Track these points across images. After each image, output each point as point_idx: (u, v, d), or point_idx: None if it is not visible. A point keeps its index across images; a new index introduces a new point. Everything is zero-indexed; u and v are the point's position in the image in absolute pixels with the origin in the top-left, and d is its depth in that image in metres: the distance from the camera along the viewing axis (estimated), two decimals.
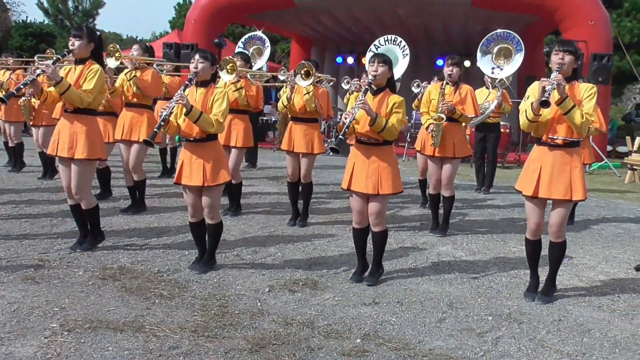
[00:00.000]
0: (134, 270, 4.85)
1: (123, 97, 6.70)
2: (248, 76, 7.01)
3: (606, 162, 13.72)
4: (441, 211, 6.76)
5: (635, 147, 12.94)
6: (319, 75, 7.03)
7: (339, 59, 18.90)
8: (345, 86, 9.38)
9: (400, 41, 6.20)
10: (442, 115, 6.29)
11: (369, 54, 6.25)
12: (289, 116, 6.82)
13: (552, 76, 4.23)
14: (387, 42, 6.24)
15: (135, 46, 7.06)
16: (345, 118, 4.60)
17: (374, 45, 6.28)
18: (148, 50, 6.95)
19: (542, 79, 4.29)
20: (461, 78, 6.61)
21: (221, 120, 4.71)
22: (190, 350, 3.49)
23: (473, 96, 6.56)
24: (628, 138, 13.78)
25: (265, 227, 6.56)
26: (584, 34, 13.80)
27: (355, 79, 8.39)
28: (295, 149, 6.62)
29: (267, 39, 8.01)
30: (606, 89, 14.57)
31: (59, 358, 3.32)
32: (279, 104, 6.75)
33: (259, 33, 8.08)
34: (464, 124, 6.77)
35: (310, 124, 6.64)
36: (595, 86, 4.50)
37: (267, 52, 7.93)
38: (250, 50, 8.00)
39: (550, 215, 4.58)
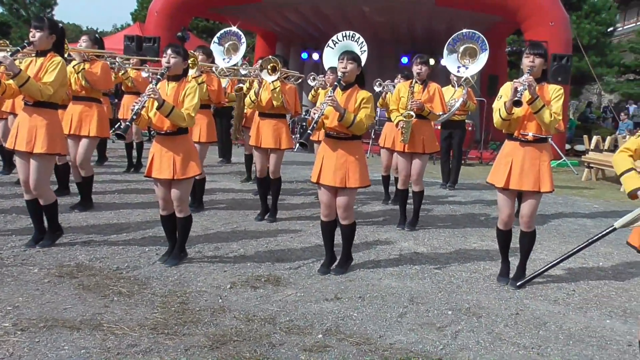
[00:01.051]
0: (92, 268, 4.76)
1: (70, 90, 6.43)
2: (213, 69, 6.95)
3: (565, 160, 14.00)
4: (410, 206, 6.88)
5: (592, 146, 13.26)
6: (287, 71, 7.01)
7: (304, 55, 18.86)
8: (311, 83, 9.35)
9: (358, 37, 6.24)
10: (412, 113, 6.42)
11: (326, 50, 6.28)
12: (257, 112, 6.78)
13: (523, 77, 4.49)
14: (344, 38, 6.28)
15: (83, 37, 6.74)
16: (314, 113, 4.68)
17: (332, 41, 6.32)
18: (98, 42, 6.71)
19: (515, 80, 4.55)
20: (429, 76, 6.72)
21: (192, 115, 4.74)
22: (150, 348, 3.44)
23: (441, 94, 6.70)
24: (585, 137, 14.11)
25: (228, 223, 6.51)
26: (545, 34, 14.03)
27: (321, 75, 8.38)
28: (263, 144, 6.59)
29: (242, 35, 7.95)
30: (565, 89, 14.83)
31: (11, 358, 3.23)
32: (247, 99, 6.71)
33: (234, 28, 8.01)
34: (432, 121, 6.89)
35: (278, 120, 6.61)
36: (562, 88, 4.78)
37: (242, 48, 7.88)
38: (226, 46, 7.94)
39: (522, 207, 4.86)
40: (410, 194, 6.85)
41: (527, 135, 4.69)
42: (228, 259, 5.25)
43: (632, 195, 2.95)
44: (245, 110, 7.62)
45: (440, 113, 6.73)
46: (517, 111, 4.61)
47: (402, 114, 6.49)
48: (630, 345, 3.86)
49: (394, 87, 7.85)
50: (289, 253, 5.53)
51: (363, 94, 4.79)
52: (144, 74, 8.54)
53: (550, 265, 3.28)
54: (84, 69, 6.36)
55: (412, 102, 6.43)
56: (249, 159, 9.10)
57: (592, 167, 12.74)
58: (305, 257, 5.40)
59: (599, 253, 6.13)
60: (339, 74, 4.81)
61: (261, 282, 4.68)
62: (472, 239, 6.47)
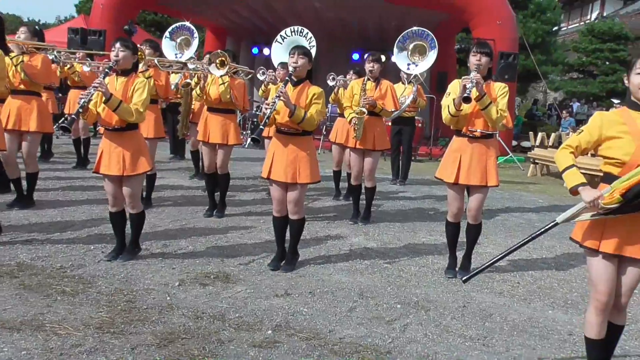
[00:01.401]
0: (33, 267, 4.62)
1: (9, 84, 6.11)
2: (156, 63, 6.81)
3: (511, 156, 14.34)
4: (362, 202, 6.97)
5: (537, 143, 13.62)
6: (236, 65, 6.94)
7: (255, 50, 18.72)
8: (260, 77, 9.30)
9: (307, 32, 6.25)
10: (364, 110, 6.49)
11: (275, 45, 6.26)
12: (205, 107, 6.69)
13: (471, 75, 4.58)
14: (293, 33, 6.27)
15: (22, 29, 6.46)
16: (266, 109, 4.67)
17: (280, 36, 6.30)
18: (37, 34, 6.46)
19: (463, 77, 4.64)
20: (381, 73, 6.79)
21: (141, 110, 4.66)
22: (94, 348, 3.36)
23: (393, 91, 6.80)
24: (531, 133, 14.49)
25: (177, 220, 6.42)
26: (492, 32, 14.32)
27: (270, 70, 8.33)
28: (210, 139, 6.52)
29: (195, 30, 7.82)
30: (512, 86, 15.19)
31: None
32: (194, 93, 6.62)
33: (187, 23, 7.88)
34: (384, 118, 6.97)
35: (226, 115, 6.55)
36: (507, 85, 4.92)
37: (195, 43, 7.76)
38: (178, 40, 7.80)
39: (469, 200, 4.99)
40: (363, 190, 6.94)
41: (475, 131, 4.81)
42: (176, 256, 5.17)
43: (573, 191, 3.03)
44: (192, 106, 7.51)
45: (393, 110, 6.83)
46: (465, 108, 4.71)
47: (355, 110, 6.56)
48: (571, 335, 3.98)
49: (345, 82, 7.90)
50: (239, 249, 5.49)
51: (314, 89, 4.81)
52: (86, 68, 8.32)
53: (495, 259, 3.34)
54: (22, 61, 6.12)
55: (364, 99, 6.50)
56: (196, 155, 8.98)
57: (537, 163, 13.09)
58: (256, 254, 5.38)
59: (543, 246, 6.30)
60: (290, 69, 4.80)
61: (210, 279, 4.63)
62: (421, 234, 6.56)
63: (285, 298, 4.36)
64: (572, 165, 3.08)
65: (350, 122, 6.67)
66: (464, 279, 3.67)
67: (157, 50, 6.88)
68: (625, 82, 3.08)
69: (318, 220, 6.86)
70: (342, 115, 7.83)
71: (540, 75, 19.01)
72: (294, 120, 4.69)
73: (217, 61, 6.18)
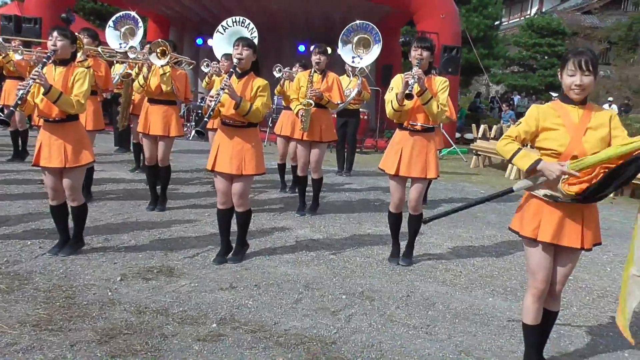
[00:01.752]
0: None
1: None
2: (100, 52, 6.63)
3: (455, 148, 14.61)
4: (309, 194, 7.03)
5: (480, 135, 13.93)
6: (177, 56, 6.82)
7: (199, 41, 18.40)
8: (205, 69, 9.17)
9: (249, 23, 6.20)
10: (311, 102, 6.51)
11: (216, 36, 6.18)
12: (146, 98, 6.55)
13: (412, 70, 4.65)
14: (234, 24, 6.21)
15: None
16: (210, 101, 4.63)
17: (221, 26, 6.22)
18: None
19: (405, 73, 4.70)
20: (327, 66, 6.81)
21: (82, 102, 4.53)
22: (31, 346, 3.26)
23: (339, 83, 6.84)
24: (474, 126, 14.80)
25: (119, 214, 6.27)
26: (436, 26, 14.54)
27: (214, 62, 8.22)
28: (151, 131, 6.40)
29: (139, 19, 7.62)
30: (455, 79, 15.48)
31: None
32: (135, 84, 6.47)
33: (133, 13, 7.67)
34: (331, 110, 7.00)
35: (167, 106, 6.44)
36: (448, 79, 5.03)
37: (139, 33, 7.56)
38: (122, 30, 7.58)
39: (410, 192, 5.07)
40: (309, 182, 6.98)
41: (416, 125, 4.91)
42: (118, 250, 5.06)
43: (531, 171, 3.10)
44: (133, 97, 7.34)
45: (339, 102, 6.89)
46: (408, 102, 4.79)
47: (301, 102, 6.58)
48: (510, 321, 4.09)
49: (291, 74, 7.88)
50: (183, 243, 5.42)
51: (259, 81, 4.78)
52: (17, 57, 8.00)
53: (454, 210, 3.37)
54: None
55: (311, 91, 6.52)
56: (137, 147, 8.78)
57: (479, 155, 13.38)
58: (200, 247, 5.32)
59: (484, 236, 6.46)
60: (235, 60, 4.75)
61: (153, 274, 4.55)
62: (366, 225, 6.61)
63: (230, 291, 4.33)
64: (520, 149, 3.14)
65: (297, 114, 6.68)
66: (425, 219, 3.72)
67: (95, 39, 6.68)
68: (559, 76, 3.18)
69: (264, 213, 6.83)
70: (287, 107, 7.84)
71: (482, 68, 19.40)
72: (239, 113, 4.65)
73: (158, 51, 6.06)
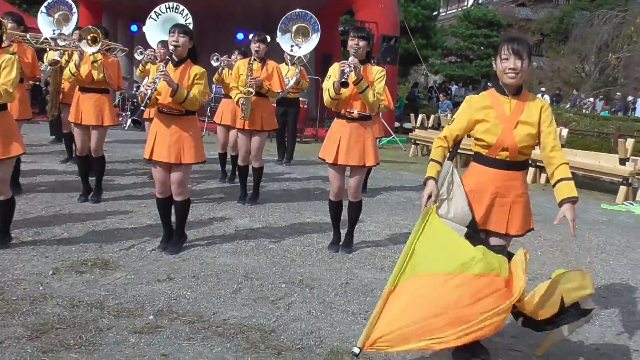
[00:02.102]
0: None
1: None
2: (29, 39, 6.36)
3: (394, 137, 14.81)
4: (250, 183, 7.00)
5: (418, 124, 14.15)
6: (109, 43, 6.63)
7: (134, 28, 17.87)
8: (138, 57, 8.95)
9: (183, 9, 6.10)
10: (251, 90, 6.46)
11: (149, 22, 6.05)
12: (77, 87, 6.34)
13: (349, 59, 4.68)
14: (168, 10, 6.09)
15: None
16: (147, 89, 4.55)
17: (155, 12, 6.10)
18: None
19: (342, 61, 4.73)
20: (268, 54, 6.77)
21: (10, 90, 4.32)
22: None
23: (279, 72, 6.80)
24: (412, 115, 15.01)
25: (50, 206, 6.07)
26: (375, 15, 14.66)
27: (149, 49, 8.03)
28: (84, 121, 6.21)
29: (73, 5, 7.33)
30: (394, 69, 15.67)
31: None
32: (66, 72, 6.24)
33: None
34: (271, 99, 6.98)
35: (99, 95, 6.25)
36: (385, 69, 5.08)
37: (74, 19, 7.28)
38: (56, 16, 7.27)
39: (349, 180, 5.12)
40: (250, 171, 6.95)
41: (353, 113, 4.95)
42: (50, 243, 4.90)
43: (424, 182, 3.20)
44: (63, 85, 7.10)
45: (279, 91, 6.85)
46: (345, 91, 4.82)
47: (241, 91, 6.53)
48: None
49: (230, 62, 7.81)
50: (119, 235, 5.29)
51: (196, 69, 4.73)
52: None
53: None
54: None
55: (251, 79, 6.47)
56: (68, 138, 8.49)
57: (418, 144, 13.62)
58: (136, 238, 5.21)
59: None
60: (171, 47, 4.67)
61: (88, 267, 4.43)
62: (306, 214, 6.63)
63: (167, 283, 4.26)
64: (432, 160, 3.26)
65: (237, 102, 6.63)
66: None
67: (20, 24, 6.39)
68: (494, 65, 3.26)
69: (202, 203, 6.75)
70: (227, 96, 7.76)
71: (420, 58, 19.69)
72: (176, 100, 4.58)
73: (89, 38, 5.86)
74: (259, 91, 6.56)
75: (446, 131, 3.31)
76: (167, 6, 6.06)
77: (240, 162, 6.99)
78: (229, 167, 8.21)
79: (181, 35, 4.64)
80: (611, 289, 4.87)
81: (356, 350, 2.99)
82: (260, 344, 3.39)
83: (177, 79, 4.63)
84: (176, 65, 4.71)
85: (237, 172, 7.59)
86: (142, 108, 4.57)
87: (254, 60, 6.64)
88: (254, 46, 6.61)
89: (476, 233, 3.23)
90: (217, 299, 4.04)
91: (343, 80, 4.64)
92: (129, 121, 4.62)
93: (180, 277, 4.40)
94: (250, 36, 6.96)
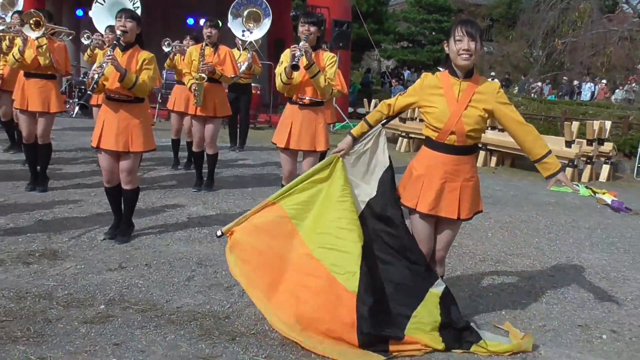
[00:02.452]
0: None
1: None
2: None
3: (347, 123, 14.85)
4: (205, 170, 7.00)
5: (372, 109, 14.24)
6: (54, 26, 6.42)
7: (79, 12, 17.34)
8: (85, 41, 8.71)
9: None
10: (204, 75, 6.46)
11: (95, 6, 5.92)
12: (22, 72, 6.13)
13: (300, 44, 4.68)
14: None
15: None
16: (94, 74, 4.47)
17: None
18: None
19: (292, 46, 4.74)
20: (220, 39, 6.75)
21: None
22: None
23: (232, 57, 6.78)
24: (365, 100, 15.10)
25: None
26: (327, 0, 14.63)
27: (97, 34, 7.83)
28: (30, 107, 6.03)
29: None
30: (346, 54, 15.70)
31: None
32: (9, 58, 6.02)
33: None
34: (224, 84, 6.99)
35: (46, 80, 6.08)
36: (336, 55, 5.14)
37: (20, 3, 7.03)
38: (0, 0, 7.02)
39: (301, 165, 5.16)
40: (205, 157, 6.93)
41: (304, 98, 4.97)
42: None
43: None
44: (1, 71, 6.85)
45: (232, 76, 6.85)
46: (296, 76, 4.82)
47: (194, 77, 6.52)
48: None
49: (182, 47, 7.72)
50: (68, 224, 5.18)
51: (145, 54, 4.66)
52: None
53: None
54: None
55: (203, 64, 6.46)
56: (8, 125, 8.21)
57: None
58: (86, 228, 5.11)
59: None
60: (118, 32, 4.60)
61: (35, 257, 4.33)
62: (260, 200, 6.45)
63: (119, 271, 4.20)
64: (365, 120, 3.46)
65: (190, 88, 6.60)
66: None
67: None
68: (446, 49, 3.28)
69: (154, 191, 6.66)
70: (179, 82, 7.68)
71: (373, 43, 19.76)
72: (124, 86, 4.51)
73: (31, 22, 5.67)
74: (212, 77, 6.54)
75: (394, 100, 3.38)
76: None
77: (194, 148, 6.96)
78: (182, 154, 8.10)
79: (128, 20, 4.57)
80: (557, 268, 5.02)
81: (219, 232, 3.42)
82: (214, 330, 3.38)
83: (125, 64, 4.55)
84: (124, 50, 4.64)
85: (192, 159, 7.58)
86: (89, 92, 4.49)
87: (206, 45, 6.62)
88: (206, 31, 6.59)
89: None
90: (170, 286, 4.01)
91: (293, 63, 4.63)
92: (77, 108, 4.51)
93: (133, 265, 4.34)
94: (202, 21, 6.89)
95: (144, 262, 4.43)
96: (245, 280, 3.42)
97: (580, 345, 3.54)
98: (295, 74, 4.78)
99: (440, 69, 3.44)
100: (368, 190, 3.44)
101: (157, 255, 4.59)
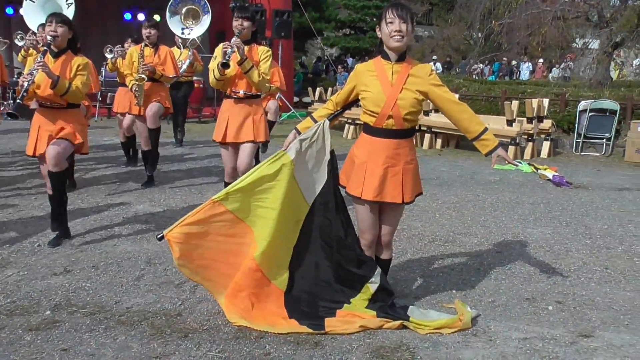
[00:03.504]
0: None
1: None
2: None
3: (293, 112, 14.82)
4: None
5: (317, 97, 14.24)
6: None
7: (9, 10, 16.67)
8: (19, 43, 8.40)
9: None
10: (143, 76, 6.51)
11: (27, 4, 5.73)
12: None
13: (232, 40, 4.66)
14: None
15: None
16: (24, 81, 4.31)
17: None
18: None
19: (224, 42, 4.74)
20: (160, 39, 6.82)
21: None
22: None
23: (172, 56, 6.88)
24: (310, 89, 15.08)
25: None
26: None
27: (29, 34, 7.55)
28: None
29: None
30: (289, 43, 15.64)
31: None
32: None
33: None
34: (165, 84, 7.01)
35: None
36: (270, 49, 5.12)
37: None
38: None
39: (239, 158, 5.08)
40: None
41: (239, 92, 4.95)
42: None
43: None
44: None
45: (173, 76, 6.90)
46: (230, 71, 4.79)
47: (135, 78, 6.56)
48: None
49: (124, 51, 7.61)
50: (8, 230, 5.00)
51: (79, 60, 4.58)
52: None
53: None
54: None
55: (142, 65, 6.51)
56: None
57: None
58: (28, 233, 4.95)
59: None
60: (48, 38, 4.48)
61: None
62: (208, 194, 6.51)
63: (64, 275, 4.09)
64: (311, 116, 3.53)
65: (131, 89, 6.66)
66: None
67: None
68: (378, 32, 3.30)
69: (98, 190, 6.50)
70: (122, 84, 7.63)
71: (314, 32, 19.71)
72: (57, 92, 4.40)
73: None
74: (152, 77, 6.59)
75: (335, 96, 3.41)
76: None
77: (143, 147, 6.94)
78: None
79: (59, 25, 4.47)
80: (504, 244, 5.14)
81: (159, 235, 3.30)
82: (166, 329, 3.33)
83: (58, 70, 4.44)
84: (56, 56, 4.53)
85: (135, 156, 7.77)
86: (18, 101, 4.32)
87: (146, 46, 6.68)
88: (144, 32, 6.66)
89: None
90: (118, 287, 3.93)
91: (223, 61, 4.64)
92: (6, 115, 4.36)
93: (79, 268, 4.23)
94: (140, 16, 6.82)
95: (91, 264, 4.32)
96: (208, 284, 3.43)
97: (528, 318, 3.64)
98: (228, 69, 4.75)
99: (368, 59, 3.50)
100: (319, 181, 3.44)
101: (104, 257, 4.49)
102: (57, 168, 4.61)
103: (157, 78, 6.66)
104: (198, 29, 7.81)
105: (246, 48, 4.78)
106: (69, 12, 5.60)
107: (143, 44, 6.68)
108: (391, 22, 3.15)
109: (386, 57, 3.27)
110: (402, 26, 3.14)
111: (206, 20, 7.59)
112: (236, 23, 4.79)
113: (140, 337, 3.23)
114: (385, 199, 3.31)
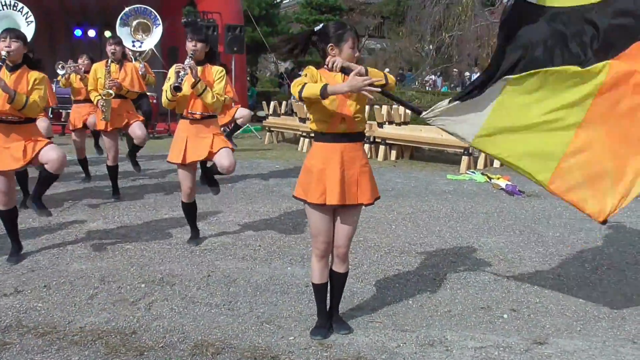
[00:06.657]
0: None
1: None
2: None
3: (248, 127, 14.75)
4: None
5: (271, 111, 14.27)
6: None
7: None
8: None
9: (22, 7, 5.75)
10: (110, 92, 6.61)
11: None
12: None
13: (185, 62, 4.69)
14: (5, 7, 5.69)
15: None
16: None
17: None
18: None
19: (176, 64, 4.76)
20: (124, 55, 7.04)
21: None
22: None
23: (137, 72, 6.99)
24: (264, 103, 15.10)
25: None
26: (217, 6, 14.51)
27: None
28: None
29: None
30: (242, 58, 15.64)
31: None
32: None
33: None
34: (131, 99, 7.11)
35: None
36: (224, 69, 5.13)
37: None
38: None
39: (222, 160, 5.01)
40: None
41: (196, 114, 4.95)
42: None
43: (324, 94, 3.12)
44: None
45: (137, 90, 7.00)
46: (185, 91, 4.79)
47: (101, 93, 6.63)
48: (308, 286, 4.27)
49: (77, 67, 7.52)
50: None
51: (35, 74, 4.56)
52: None
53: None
54: None
55: (109, 81, 6.60)
56: None
57: (272, 131, 13.74)
58: None
59: (281, 208, 6.66)
60: (3, 53, 4.44)
61: None
62: (163, 210, 6.47)
63: (15, 296, 3.99)
64: (306, 83, 3.19)
65: (97, 104, 6.75)
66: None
67: None
68: (329, 50, 3.31)
69: (51, 208, 6.32)
70: (77, 101, 7.83)
71: (267, 46, 19.77)
72: (15, 107, 4.36)
73: None
74: (119, 93, 6.71)
75: (303, 79, 3.23)
76: (4, 3, 5.64)
77: (110, 163, 7.01)
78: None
79: (14, 40, 4.47)
80: (459, 253, 5.23)
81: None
82: (121, 347, 3.28)
83: (13, 85, 4.41)
84: (12, 70, 4.51)
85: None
86: None
87: (112, 62, 6.74)
88: (109, 48, 6.76)
89: None
90: (71, 307, 3.85)
91: (176, 84, 4.65)
92: None
93: (30, 288, 4.13)
94: (91, 32, 6.82)
95: (43, 283, 4.23)
96: None
97: (483, 327, 3.71)
98: (184, 88, 4.75)
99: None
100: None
101: (57, 275, 4.39)
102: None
103: (124, 94, 6.76)
104: (150, 41, 7.78)
105: (200, 69, 4.81)
106: (29, 30, 5.54)
107: (108, 60, 6.72)
108: (352, 48, 3.30)
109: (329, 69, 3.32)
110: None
111: (157, 33, 7.59)
112: (190, 44, 4.82)
113: (94, 357, 3.17)
114: (350, 201, 3.32)
